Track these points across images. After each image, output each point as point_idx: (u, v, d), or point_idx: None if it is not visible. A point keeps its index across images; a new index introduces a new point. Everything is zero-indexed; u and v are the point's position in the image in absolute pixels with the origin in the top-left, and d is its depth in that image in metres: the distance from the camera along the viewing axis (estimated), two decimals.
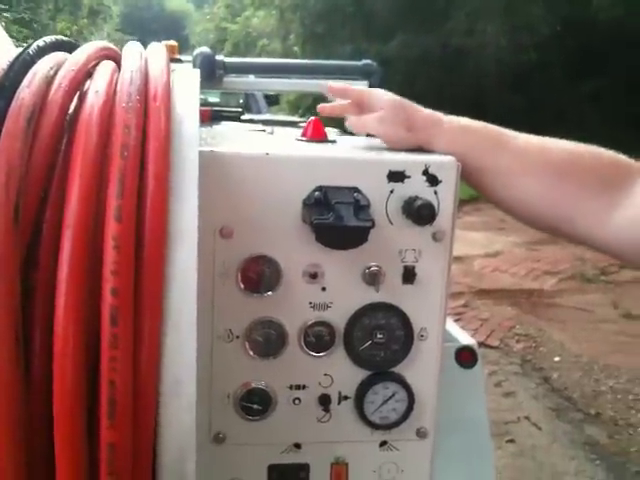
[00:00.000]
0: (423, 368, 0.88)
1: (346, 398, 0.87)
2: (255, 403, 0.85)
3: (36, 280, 0.69)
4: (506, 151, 0.89)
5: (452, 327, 1.70)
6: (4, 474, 0.61)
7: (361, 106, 0.97)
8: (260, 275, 0.82)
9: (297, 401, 0.86)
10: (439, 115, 0.93)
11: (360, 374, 0.87)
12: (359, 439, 0.89)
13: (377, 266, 0.84)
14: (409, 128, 0.90)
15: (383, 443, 0.90)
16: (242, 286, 0.82)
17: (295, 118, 2.30)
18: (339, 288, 0.84)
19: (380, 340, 0.86)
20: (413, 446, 0.90)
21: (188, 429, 0.64)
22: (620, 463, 2.84)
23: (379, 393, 0.87)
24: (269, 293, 0.82)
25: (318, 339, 0.85)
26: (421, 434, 0.90)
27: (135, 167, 0.72)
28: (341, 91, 1.02)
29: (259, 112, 3.88)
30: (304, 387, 0.86)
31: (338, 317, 0.85)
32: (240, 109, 1.79)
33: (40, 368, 0.65)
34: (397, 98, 0.94)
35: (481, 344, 3.67)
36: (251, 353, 0.84)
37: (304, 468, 0.88)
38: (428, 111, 0.93)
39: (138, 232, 0.67)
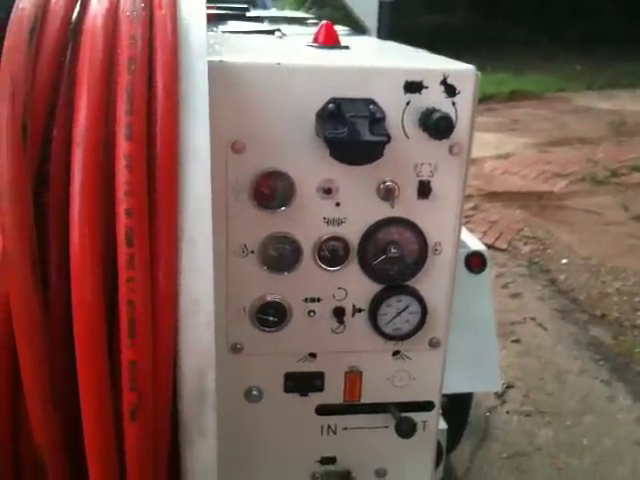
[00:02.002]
0: (437, 282, 0.89)
1: (360, 311, 0.89)
2: (271, 315, 0.87)
3: (48, 201, 0.69)
4: None
5: (462, 232, 1.71)
6: (29, 392, 0.63)
7: None
8: (273, 190, 0.81)
9: (312, 313, 0.87)
10: None
11: (374, 287, 0.88)
12: (372, 349, 0.91)
13: (392, 181, 0.82)
14: None
15: (396, 353, 0.92)
16: (255, 202, 0.81)
17: (303, 14, 2.20)
18: (353, 203, 0.83)
19: (394, 254, 0.86)
20: (425, 355, 0.92)
21: (207, 346, 0.66)
22: (623, 363, 2.92)
23: (392, 305, 0.88)
24: (283, 208, 0.82)
25: (332, 254, 0.85)
26: (433, 344, 0.92)
27: (143, 82, 0.69)
28: None
29: (264, 7, 3.73)
30: (318, 300, 0.87)
31: (352, 232, 0.84)
32: (245, 5, 1.72)
33: (58, 289, 0.66)
34: None
35: (489, 246, 3.68)
36: (266, 268, 0.84)
37: (319, 376, 0.91)
38: None
39: (150, 150, 0.66)
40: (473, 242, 1.85)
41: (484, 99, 5.56)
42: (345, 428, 0.94)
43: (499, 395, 2.71)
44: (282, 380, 0.90)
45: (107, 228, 0.64)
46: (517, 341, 3.12)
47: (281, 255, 0.84)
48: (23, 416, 0.65)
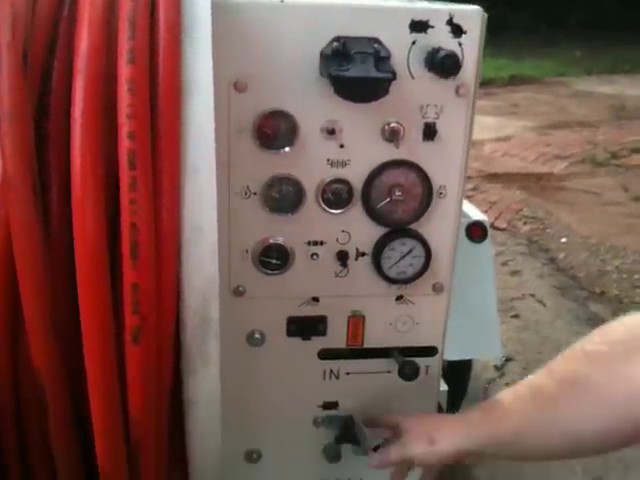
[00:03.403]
0: (441, 225, 0.88)
1: (363, 254, 0.88)
2: (273, 258, 0.86)
3: (49, 132, 0.68)
4: (515, 412, 0.79)
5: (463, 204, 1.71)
6: (29, 318, 0.63)
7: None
8: (276, 131, 0.80)
9: (315, 256, 0.87)
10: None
11: (377, 231, 0.87)
12: (376, 293, 0.90)
13: (397, 122, 0.82)
14: (431, 441, 0.83)
15: (399, 297, 0.92)
16: (258, 142, 0.80)
17: None
18: (358, 145, 0.83)
19: (398, 197, 0.85)
20: (429, 300, 0.92)
21: (211, 275, 0.65)
22: None
23: (396, 249, 0.88)
24: (286, 149, 0.81)
25: (336, 196, 0.85)
26: (437, 289, 0.92)
27: (146, 10, 0.68)
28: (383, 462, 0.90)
29: None
30: (322, 243, 0.87)
31: (356, 174, 0.84)
32: None
33: (59, 217, 0.65)
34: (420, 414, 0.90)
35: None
36: (268, 210, 0.84)
37: (322, 320, 0.91)
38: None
39: (152, 77, 0.65)
40: (474, 212, 1.85)
41: (483, 84, 5.48)
42: (348, 373, 0.94)
43: (498, 368, 2.71)
44: (284, 324, 0.90)
45: (109, 157, 0.63)
46: (516, 316, 3.12)
47: (284, 197, 0.84)
48: (23, 342, 0.64)
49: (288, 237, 0.85)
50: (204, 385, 0.67)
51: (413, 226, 0.88)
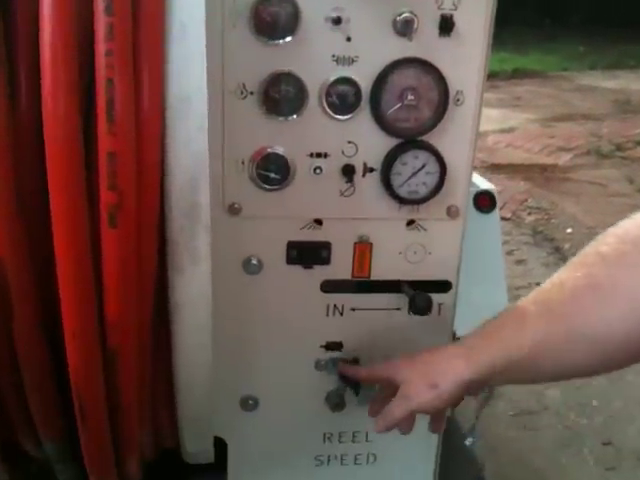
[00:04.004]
0: (458, 137, 0.79)
1: (371, 170, 0.79)
2: (272, 172, 0.77)
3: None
4: (526, 329, 0.70)
5: None
6: None
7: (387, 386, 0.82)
8: (275, 17, 0.71)
9: (318, 170, 0.78)
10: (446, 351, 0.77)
11: (387, 142, 0.78)
12: (385, 216, 0.81)
13: (410, 12, 0.73)
14: (433, 385, 0.74)
15: (410, 222, 0.82)
16: (255, 30, 0.71)
17: None
18: (366, 38, 0.74)
19: (411, 102, 0.76)
20: (443, 226, 0.83)
21: (200, 152, 0.56)
22: None
23: (408, 164, 0.79)
24: (287, 39, 0.72)
25: (341, 99, 0.76)
26: (452, 213, 0.83)
27: None
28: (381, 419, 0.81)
29: None
30: (325, 155, 0.78)
31: (364, 73, 0.75)
32: None
33: (26, 89, 0.56)
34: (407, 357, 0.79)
35: None
36: (267, 112, 0.75)
37: (325, 246, 0.81)
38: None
39: None
40: (481, 181, 1.78)
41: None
42: (353, 309, 0.85)
43: None
44: (284, 249, 0.81)
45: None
46: None
47: (284, 98, 0.74)
48: None
49: (288, 147, 0.76)
50: (193, 285, 0.58)
51: (426, 137, 0.79)
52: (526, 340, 0.68)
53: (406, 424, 0.81)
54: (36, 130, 0.54)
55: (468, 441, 2.03)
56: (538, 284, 2.82)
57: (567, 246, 3.78)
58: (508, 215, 4.17)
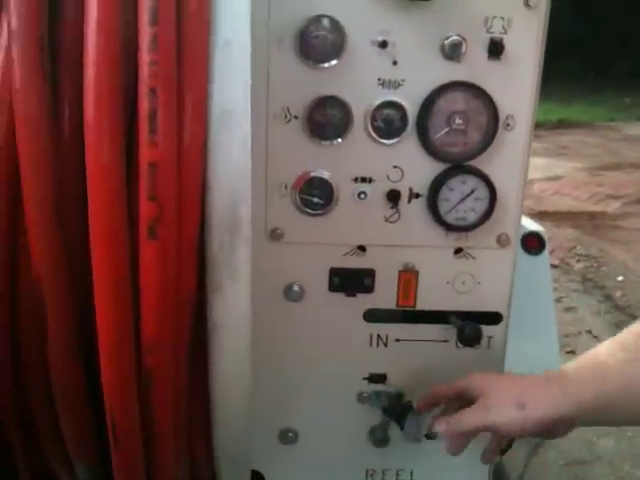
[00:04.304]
0: (508, 163, 0.77)
1: (417, 196, 0.77)
2: (315, 196, 0.76)
3: None
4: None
5: None
6: (32, 216, 0.53)
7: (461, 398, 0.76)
8: (321, 41, 0.71)
9: (362, 195, 0.76)
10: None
11: (434, 167, 0.76)
12: (431, 244, 0.79)
13: (458, 36, 0.72)
14: (520, 405, 0.69)
15: (458, 250, 0.79)
16: (300, 53, 0.71)
17: None
18: (413, 62, 0.73)
19: (459, 127, 0.74)
20: (492, 255, 0.80)
21: (242, 167, 0.55)
22: None
23: (455, 189, 0.76)
24: (332, 63, 0.71)
25: (387, 124, 0.74)
26: (502, 242, 0.79)
27: None
28: (430, 399, 0.80)
29: None
30: (370, 180, 0.76)
31: (411, 97, 0.74)
32: None
33: (67, 82, 0.56)
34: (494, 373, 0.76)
35: None
36: (311, 136, 0.74)
37: (369, 274, 0.79)
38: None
39: None
40: (529, 223, 1.74)
41: None
42: (397, 340, 0.82)
43: None
44: (327, 276, 0.79)
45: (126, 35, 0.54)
46: (572, 352, 2.92)
47: (329, 122, 0.74)
48: (23, 247, 0.55)
49: (332, 171, 0.75)
50: (232, 305, 0.56)
51: (475, 162, 0.76)
52: (618, 379, 0.66)
53: (462, 442, 0.75)
54: (77, 137, 0.53)
55: None
56: (589, 332, 2.71)
57: (619, 294, 3.66)
58: (556, 262, 4.08)
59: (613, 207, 5.07)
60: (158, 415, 0.56)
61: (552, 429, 0.69)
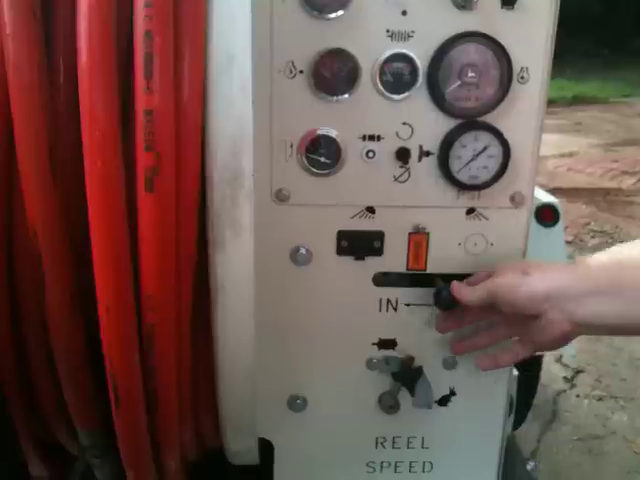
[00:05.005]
0: (522, 118, 0.74)
1: (428, 154, 0.74)
2: (322, 155, 0.73)
3: None
4: None
5: None
6: (26, 169, 0.51)
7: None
8: None
9: (370, 154, 0.73)
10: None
11: (445, 123, 0.73)
12: (442, 204, 0.76)
13: None
14: (525, 272, 0.69)
15: (470, 210, 0.77)
16: (305, 3, 0.68)
17: None
18: (423, 12, 0.70)
19: (471, 80, 0.71)
20: (506, 215, 0.77)
21: (243, 115, 0.53)
22: None
23: (467, 146, 0.73)
24: (339, 13, 0.68)
25: (396, 78, 0.71)
26: (516, 201, 0.77)
27: None
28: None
29: None
30: (379, 138, 0.73)
31: (421, 50, 0.71)
32: None
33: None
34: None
35: None
36: (317, 92, 0.71)
37: (378, 236, 0.76)
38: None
39: None
40: (542, 194, 1.70)
41: None
42: (408, 304, 0.79)
43: (568, 379, 2.49)
44: (334, 239, 0.76)
45: None
46: None
47: (335, 77, 0.71)
48: (17, 195, 0.53)
49: (339, 128, 0.72)
50: (234, 260, 0.54)
51: (488, 118, 0.73)
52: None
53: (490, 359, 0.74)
54: (71, 85, 0.51)
55: (529, 466, 1.91)
56: None
57: None
58: (570, 238, 4.03)
59: (627, 183, 5.01)
60: (160, 374, 0.55)
61: (553, 312, 0.66)
